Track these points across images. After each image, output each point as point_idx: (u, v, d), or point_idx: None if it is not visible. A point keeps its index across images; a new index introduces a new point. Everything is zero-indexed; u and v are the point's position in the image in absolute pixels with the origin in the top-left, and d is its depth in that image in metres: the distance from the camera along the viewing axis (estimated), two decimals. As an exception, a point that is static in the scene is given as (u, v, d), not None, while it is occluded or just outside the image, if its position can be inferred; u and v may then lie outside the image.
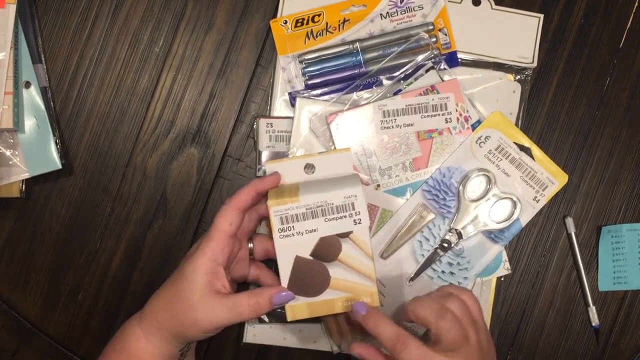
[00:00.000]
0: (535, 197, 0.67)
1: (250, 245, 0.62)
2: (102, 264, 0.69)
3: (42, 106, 0.67)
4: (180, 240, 0.69)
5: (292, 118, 0.67)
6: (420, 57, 0.67)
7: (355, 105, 0.66)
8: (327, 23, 0.68)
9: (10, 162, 0.66)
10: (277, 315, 0.66)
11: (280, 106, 0.68)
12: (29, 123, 0.67)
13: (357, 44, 0.67)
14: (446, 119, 0.66)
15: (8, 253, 0.69)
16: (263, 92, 0.70)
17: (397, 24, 0.68)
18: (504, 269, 0.68)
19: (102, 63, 0.69)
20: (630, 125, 0.71)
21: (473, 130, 0.67)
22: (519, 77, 0.69)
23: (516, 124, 0.69)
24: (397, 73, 0.68)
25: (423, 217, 0.66)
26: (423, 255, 0.66)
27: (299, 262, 0.57)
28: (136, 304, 0.69)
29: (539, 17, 0.69)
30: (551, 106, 0.71)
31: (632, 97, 0.71)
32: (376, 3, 0.68)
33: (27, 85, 0.66)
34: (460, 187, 0.66)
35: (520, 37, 0.69)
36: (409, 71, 0.67)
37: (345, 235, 0.58)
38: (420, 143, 0.67)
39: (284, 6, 0.68)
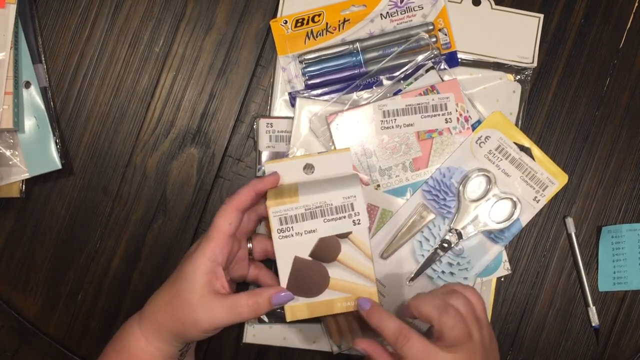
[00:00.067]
0: (535, 197, 0.67)
1: (250, 245, 0.62)
2: (102, 264, 0.69)
3: (42, 106, 0.67)
4: (180, 240, 0.69)
5: (292, 118, 0.67)
6: (420, 57, 0.67)
7: (355, 105, 0.66)
8: (327, 23, 0.68)
9: (10, 162, 0.66)
10: (276, 316, 0.66)
11: (280, 106, 0.68)
12: (29, 123, 0.67)
13: (357, 44, 0.67)
14: (446, 119, 0.66)
15: (8, 253, 0.69)
16: (263, 92, 0.70)
17: (397, 24, 0.68)
18: (504, 269, 0.68)
19: (102, 63, 0.69)
20: (630, 125, 0.71)
21: (473, 130, 0.67)
22: (519, 77, 0.69)
23: (516, 124, 0.69)
24: (397, 73, 0.68)
25: (423, 217, 0.66)
26: (423, 255, 0.66)
27: (298, 262, 0.57)
28: (136, 304, 0.69)
29: (539, 17, 0.69)
30: (551, 106, 0.71)
31: (632, 97, 0.71)
32: (376, 3, 0.68)
33: (27, 85, 0.66)
34: (460, 187, 0.66)
35: (520, 37, 0.69)
36: (409, 71, 0.67)
37: (345, 235, 0.58)
38: (420, 143, 0.66)
39: (284, 6, 0.68)
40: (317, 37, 0.68)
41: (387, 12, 0.68)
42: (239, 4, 0.69)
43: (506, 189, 0.66)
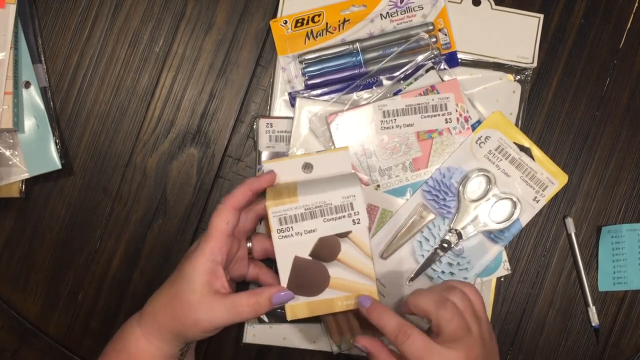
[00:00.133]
0: (535, 197, 0.67)
1: (249, 244, 0.62)
2: (102, 264, 0.69)
3: (42, 106, 0.67)
4: (180, 240, 0.69)
5: (292, 118, 0.67)
6: (420, 57, 0.67)
7: (355, 105, 0.66)
8: (327, 23, 0.68)
9: (10, 162, 0.66)
10: (276, 316, 0.66)
11: (280, 106, 0.68)
12: (28, 123, 0.67)
13: (357, 44, 0.67)
14: (446, 119, 0.66)
15: (8, 253, 0.69)
16: (263, 92, 0.70)
17: (397, 24, 0.68)
18: (504, 269, 0.68)
19: (102, 63, 0.69)
20: (630, 125, 0.71)
21: (473, 130, 0.67)
22: (519, 77, 0.69)
23: (516, 124, 0.69)
24: (397, 73, 0.68)
25: (423, 217, 0.66)
26: (423, 255, 0.66)
27: (298, 262, 0.57)
28: (136, 304, 0.69)
29: (539, 17, 0.69)
30: (551, 106, 0.71)
31: (632, 97, 0.71)
32: (376, 3, 0.68)
33: (27, 85, 0.66)
34: (460, 187, 0.66)
35: (520, 37, 0.69)
36: (409, 71, 0.67)
37: (345, 235, 0.58)
38: (420, 143, 0.66)
39: (284, 6, 0.68)
40: (317, 37, 0.68)
41: (387, 12, 0.68)
42: (239, 4, 0.69)
43: (506, 189, 0.66)
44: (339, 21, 0.68)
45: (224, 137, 0.69)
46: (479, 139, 0.67)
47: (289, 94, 0.68)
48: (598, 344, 0.71)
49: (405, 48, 0.67)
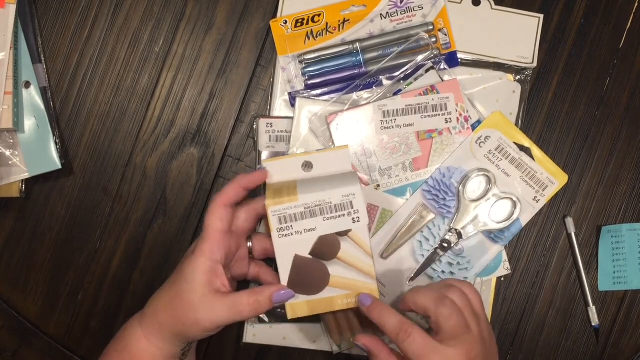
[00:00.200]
0: (535, 197, 0.67)
1: (249, 244, 0.62)
2: (102, 264, 0.69)
3: (42, 106, 0.67)
4: (180, 240, 0.69)
5: (292, 118, 0.67)
6: (420, 57, 0.67)
7: (355, 105, 0.66)
8: (327, 23, 0.68)
9: (10, 162, 0.66)
10: (277, 315, 0.66)
11: (280, 106, 0.68)
12: (28, 123, 0.67)
13: (357, 44, 0.67)
14: (446, 119, 0.66)
15: (8, 253, 0.69)
16: (263, 92, 0.70)
17: (397, 24, 0.68)
18: (504, 269, 0.68)
19: (102, 63, 0.69)
20: (630, 125, 0.71)
21: (473, 130, 0.67)
22: (519, 77, 0.69)
23: (516, 124, 0.69)
24: (397, 73, 0.68)
25: (423, 217, 0.66)
26: (423, 255, 0.66)
27: (298, 260, 0.57)
28: (136, 304, 0.69)
29: (539, 17, 0.69)
30: (551, 106, 0.71)
31: (632, 97, 0.71)
32: (376, 3, 0.68)
33: (27, 85, 0.66)
34: (460, 187, 0.66)
35: (520, 37, 0.69)
36: (409, 71, 0.67)
37: (344, 233, 0.58)
38: (420, 143, 0.67)
39: (284, 6, 0.68)
40: (317, 37, 0.68)
41: (387, 12, 0.68)
42: (239, 4, 0.69)
43: (506, 188, 0.66)
44: (339, 21, 0.68)
45: (224, 137, 0.69)
46: (479, 138, 0.67)
47: (289, 94, 0.68)
48: (598, 344, 0.71)
49: (405, 48, 0.67)
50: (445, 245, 0.66)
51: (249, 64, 0.69)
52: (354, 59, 0.67)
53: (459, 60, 0.69)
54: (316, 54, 0.67)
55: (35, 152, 0.66)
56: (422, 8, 0.68)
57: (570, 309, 0.71)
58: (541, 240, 0.71)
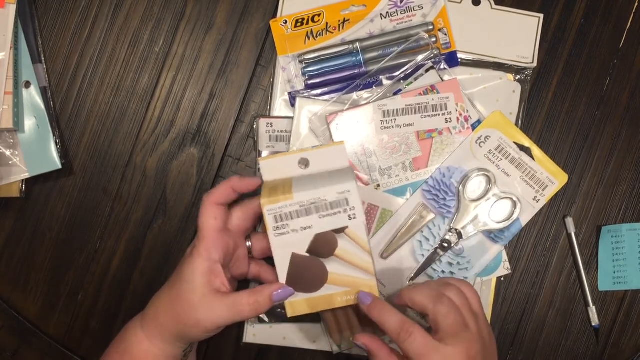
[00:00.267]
0: (535, 197, 0.67)
1: (248, 243, 0.62)
2: (102, 264, 0.69)
3: (42, 106, 0.67)
4: (180, 240, 0.69)
5: (292, 118, 0.67)
6: (420, 57, 0.67)
7: (355, 105, 0.66)
8: (327, 23, 0.68)
9: (10, 162, 0.66)
10: (277, 315, 0.67)
11: (280, 106, 0.68)
12: (29, 123, 0.67)
13: (357, 44, 0.67)
14: (446, 119, 0.66)
15: (8, 253, 0.69)
16: (263, 92, 0.70)
17: (397, 24, 0.68)
18: (504, 269, 0.68)
19: (102, 63, 0.69)
20: (630, 125, 0.71)
21: (473, 130, 0.67)
22: (519, 77, 0.69)
23: (516, 124, 0.69)
24: (397, 73, 0.68)
25: (423, 217, 0.66)
26: (423, 255, 0.66)
27: (295, 259, 0.57)
28: (136, 304, 0.69)
29: (539, 17, 0.69)
30: (551, 106, 0.71)
31: (632, 97, 0.71)
32: (376, 3, 0.68)
33: (27, 85, 0.66)
34: (460, 187, 0.66)
35: (520, 37, 0.69)
36: (409, 71, 0.67)
37: (341, 230, 0.57)
38: (420, 143, 0.67)
39: (284, 6, 0.68)
40: (317, 37, 0.68)
41: (387, 12, 0.68)
42: (239, 4, 0.69)
43: (506, 188, 0.66)
44: (339, 21, 0.68)
45: (224, 137, 0.69)
46: (479, 138, 0.67)
47: (289, 93, 0.68)
48: (598, 344, 0.71)
49: (405, 48, 0.67)
50: (445, 245, 0.66)
51: (249, 64, 0.69)
52: (354, 58, 0.67)
53: (459, 60, 0.69)
54: (316, 54, 0.67)
55: (36, 152, 0.66)
56: (422, 8, 0.68)
57: (570, 309, 0.71)
58: (541, 240, 0.71)
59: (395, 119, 0.66)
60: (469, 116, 0.67)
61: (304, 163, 0.60)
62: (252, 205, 0.60)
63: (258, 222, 0.64)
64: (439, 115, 0.66)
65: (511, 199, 0.66)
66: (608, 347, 0.71)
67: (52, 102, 0.68)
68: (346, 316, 0.63)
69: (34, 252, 0.69)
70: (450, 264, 0.67)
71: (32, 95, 0.67)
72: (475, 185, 0.66)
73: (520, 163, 0.67)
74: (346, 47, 0.67)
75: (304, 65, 0.67)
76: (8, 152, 0.66)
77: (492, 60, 0.69)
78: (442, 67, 0.68)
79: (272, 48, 0.69)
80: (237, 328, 0.68)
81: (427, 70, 0.67)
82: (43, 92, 0.67)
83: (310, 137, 0.67)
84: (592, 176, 0.71)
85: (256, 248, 0.62)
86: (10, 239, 0.69)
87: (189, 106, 0.69)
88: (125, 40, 0.69)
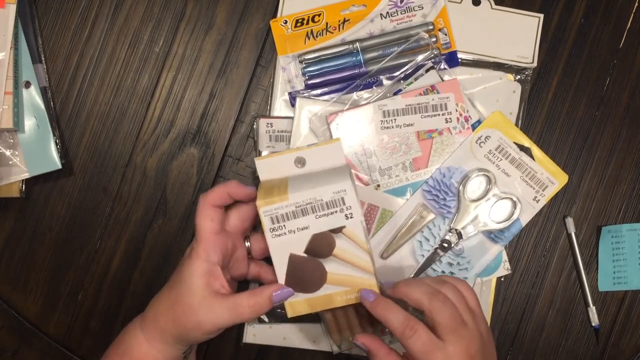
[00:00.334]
0: (535, 197, 0.67)
1: (247, 244, 0.62)
2: (102, 264, 0.69)
3: (42, 106, 0.67)
4: (180, 240, 0.69)
5: (292, 118, 0.67)
6: (420, 57, 0.67)
7: (355, 105, 0.66)
8: (327, 23, 0.68)
9: (10, 162, 0.66)
10: (276, 315, 0.66)
11: (280, 106, 0.68)
12: (29, 123, 0.67)
13: (357, 44, 0.67)
14: (446, 119, 0.66)
15: (8, 253, 0.69)
16: (263, 92, 0.70)
17: (397, 24, 0.68)
18: (504, 269, 0.68)
19: (102, 63, 0.69)
20: (630, 125, 0.71)
21: (473, 130, 0.67)
22: (519, 77, 0.69)
23: (516, 124, 0.69)
24: (397, 73, 0.68)
25: (423, 217, 0.66)
26: (423, 255, 0.66)
27: (293, 259, 0.57)
28: (136, 304, 0.69)
29: (539, 17, 0.69)
30: (551, 106, 0.71)
31: (632, 97, 0.71)
32: (376, 3, 0.68)
33: (27, 85, 0.66)
34: (460, 187, 0.66)
35: (520, 37, 0.69)
36: (409, 71, 0.67)
37: (338, 230, 0.57)
38: (420, 143, 0.66)
39: (284, 6, 0.68)
40: (317, 37, 0.68)
41: (387, 12, 0.68)
42: (239, 4, 0.69)
43: (506, 189, 0.66)
44: (339, 21, 0.68)
45: (224, 137, 0.69)
46: (479, 138, 0.67)
47: (289, 93, 0.68)
48: (598, 344, 0.71)
49: (405, 48, 0.67)
50: (445, 245, 0.66)
51: (249, 64, 0.69)
52: (354, 58, 0.67)
53: (459, 60, 0.69)
54: (316, 54, 0.67)
55: (36, 152, 0.66)
56: (422, 8, 0.68)
57: (570, 309, 0.71)
58: (541, 240, 0.71)
59: (395, 119, 0.66)
60: (469, 116, 0.67)
61: (300, 162, 0.59)
62: (249, 206, 0.60)
63: (257, 222, 0.64)
64: (439, 115, 0.66)
65: (511, 199, 0.66)
66: (608, 348, 0.71)
67: (52, 102, 0.68)
68: (346, 316, 0.63)
69: (34, 252, 0.69)
70: (450, 264, 0.67)
71: (32, 95, 0.67)
72: (475, 186, 0.66)
73: (520, 163, 0.67)
74: (346, 47, 0.67)
75: (304, 65, 0.67)
76: (8, 152, 0.66)
77: (492, 60, 0.69)
78: (442, 67, 0.68)
79: (272, 48, 0.69)
80: (237, 328, 0.68)
81: (427, 70, 0.67)
82: (43, 92, 0.67)
83: (311, 137, 0.67)
84: (592, 176, 0.71)
85: (255, 248, 0.62)
86: (10, 239, 0.69)
87: (189, 106, 0.69)
88: (125, 40, 0.69)
